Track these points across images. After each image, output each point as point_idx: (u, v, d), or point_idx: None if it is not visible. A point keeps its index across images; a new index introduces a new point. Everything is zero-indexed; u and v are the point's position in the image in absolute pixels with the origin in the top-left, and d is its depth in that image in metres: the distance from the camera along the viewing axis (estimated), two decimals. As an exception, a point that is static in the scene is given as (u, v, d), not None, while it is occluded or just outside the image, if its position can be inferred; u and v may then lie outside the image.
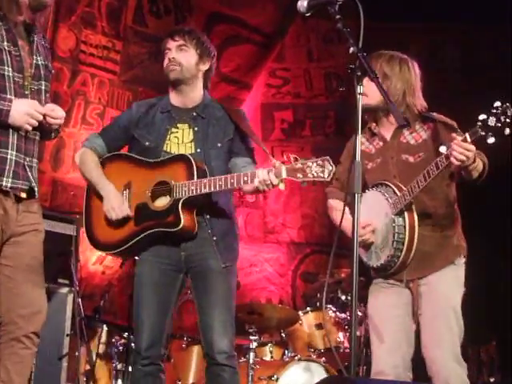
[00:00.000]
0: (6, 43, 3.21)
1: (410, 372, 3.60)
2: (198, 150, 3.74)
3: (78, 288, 5.08)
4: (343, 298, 5.90)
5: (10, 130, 3.19)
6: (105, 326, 5.53)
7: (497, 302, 6.62)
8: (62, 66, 6.86)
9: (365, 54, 2.96)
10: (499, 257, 6.69)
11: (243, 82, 7.93)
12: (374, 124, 3.75)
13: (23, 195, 3.25)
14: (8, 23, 3.24)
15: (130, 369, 5.21)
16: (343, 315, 5.74)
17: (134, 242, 3.70)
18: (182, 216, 3.58)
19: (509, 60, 6.69)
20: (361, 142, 2.96)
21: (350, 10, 3.01)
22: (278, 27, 7.98)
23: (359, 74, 2.94)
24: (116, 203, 3.71)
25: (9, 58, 3.20)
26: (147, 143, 3.80)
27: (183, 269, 3.73)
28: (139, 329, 3.69)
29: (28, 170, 3.26)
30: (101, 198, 3.78)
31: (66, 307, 5.15)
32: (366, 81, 3.02)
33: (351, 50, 2.95)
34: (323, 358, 5.34)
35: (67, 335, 5.13)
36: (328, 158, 3.35)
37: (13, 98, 3.17)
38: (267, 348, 5.63)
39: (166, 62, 3.83)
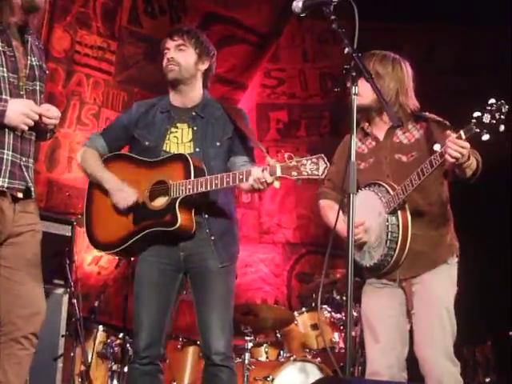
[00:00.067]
0: (0, 44, 3.20)
1: (404, 372, 3.61)
2: (197, 150, 3.75)
3: (73, 289, 5.08)
4: (338, 298, 5.90)
5: (6, 130, 3.19)
6: (100, 326, 5.53)
7: (492, 302, 6.63)
8: (57, 66, 6.85)
9: (360, 54, 2.96)
10: (496, 257, 6.70)
11: (238, 83, 7.94)
12: (367, 124, 3.75)
13: (20, 195, 3.25)
14: (1, 24, 3.23)
15: (125, 369, 5.22)
16: (338, 315, 5.74)
17: (132, 241, 3.71)
18: (178, 215, 3.58)
19: (509, 60, 6.70)
20: (351, 142, 2.95)
21: (345, 10, 3.01)
22: (273, 27, 7.98)
23: (354, 74, 2.95)
24: (122, 193, 3.71)
25: (3, 59, 3.20)
26: (147, 143, 3.81)
27: (182, 269, 3.74)
28: (138, 328, 3.70)
29: (24, 169, 3.26)
30: (101, 197, 3.80)
31: (62, 308, 5.15)
32: (359, 81, 3.02)
33: (346, 50, 2.95)
34: (318, 359, 5.35)
35: (62, 336, 5.13)
36: (322, 155, 3.35)
37: (8, 98, 3.17)
38: (262, 348, 5.63)
39: (164, 61, 3.83)
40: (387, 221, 3.52)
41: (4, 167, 3.18)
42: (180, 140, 3.79)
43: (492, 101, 3.21)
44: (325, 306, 5.82)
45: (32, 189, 3.30)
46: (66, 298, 5.17)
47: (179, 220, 3.59)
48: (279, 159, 3.40)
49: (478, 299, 6.39)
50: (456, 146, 3.25)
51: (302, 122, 8.27)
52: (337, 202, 3.77)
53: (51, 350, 5.01)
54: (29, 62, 3.30)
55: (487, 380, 6.67)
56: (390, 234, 3.51)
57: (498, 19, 6.80)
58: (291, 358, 5.27)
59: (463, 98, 6.81)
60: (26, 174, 3.26)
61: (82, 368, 5.24)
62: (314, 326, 5.75)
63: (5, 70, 3.20)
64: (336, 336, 5.68)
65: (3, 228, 3.20)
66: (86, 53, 7.06)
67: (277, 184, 3.45)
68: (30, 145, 3.31)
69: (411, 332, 3.61)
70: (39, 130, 3.31)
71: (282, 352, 5.65)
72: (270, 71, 8.25)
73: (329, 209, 3.80)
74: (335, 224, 3.21)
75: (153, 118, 3.86)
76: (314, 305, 5.95)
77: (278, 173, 3.39)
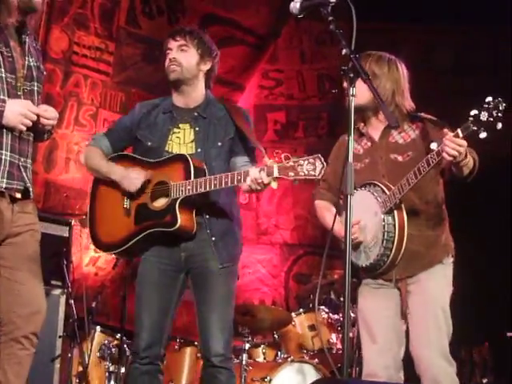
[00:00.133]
0: (-3, 44, 3.21)
1: (401, 372, 3.61)
2: (199, 150, 3.75)
3: (70, 290, 5.08)
4: (336, 299, 5.90)
5: (4, 131, 3.18)
6: (98, 327, 5.52)
7: (491, 302, 6.63)
8: (55, 67, 6.85)
9: (357, 55, 2.96)
10: (494, 257, 6.70)
11: (236, 84, 7.94)
12: (362, 124, 3.75)
13: (18, 196, 3.25)
14: (-1, 25, 3.24)
15: (122, 370, 5.21)
16: (336, 316, 5.74)
17: (133, 241, 3.72)
18: (178, 216, 3.59)
19: (509, 60, 6.70)
20: (348, 143, 2.95)
21: (343, 11, 3.01)
22: (271, 29, 7.99)
23: (352, 75, 2.95)
24: (129, 178, 3.71)
25: (1, 59, 3.20)
26: (150, 143, 3.82)
27: (183, 269, 3.74)
28: (139, 328, 3.70)
29: (23, 170, 3.26)
30: (105, 198, 3.82)
31: (59, 309, 5.14)
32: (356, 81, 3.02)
33: (344, 51, 2.95)
34: (316, 360, 5.34)
35: (60, 337, 5.13)
36: (319, 155, 3.35)
37: (6, 98, 3.17)
38: (260, 349, 5.63)
39: (166, 62, 3.83)
40: (383, 220, 3.52)
41: (2, 168, 3.18)
42: (182, 140, 3.80)
43: (489, 99, 3.21)
44: (322, 307, 5.81)
45: (30, 189, 3.30)
46: (63, 299, 5.17)
47: (179, 221, 3.59)
48: (276, 160, 3.40)
49: (477, 300, 6.40)
50: (453, 145, 3.25)
51: (299, 124, 8.28)
52: (332, 203, 3.77)
53: (49, 350, 5.01)
54: (26, 62, 3.30)
55: (484, 381, 6.66)
56: (386, 233, 3.50)
57: (498, 19, 6.80)
58: (289, 359, 5.27)
59: (463, 98, 6.81)
60: (24, 174, 3.26)
61: (80, 369, 5.24)
62: (312, 327, 5.74)
63: (2, 70, 3.19)
64: (333, 337, 5.68)
65: (2, 228, 3.20)
66: (83, 54, 7.06)
67: (274, 185, 3.45)
68: (28, 145, 3.31)
69: (407, 332, 3.61)
70: (37, 130, 3.31)
71: (279, 353, 5.65)
72: (267, 72, 8.26)
73: (325, 210, 3.81)
74: (332, 226, 3.21)
75: (155, 118, 3.86)
76: (311, 306, 5.95)
77: (276, 173, 3.39)
